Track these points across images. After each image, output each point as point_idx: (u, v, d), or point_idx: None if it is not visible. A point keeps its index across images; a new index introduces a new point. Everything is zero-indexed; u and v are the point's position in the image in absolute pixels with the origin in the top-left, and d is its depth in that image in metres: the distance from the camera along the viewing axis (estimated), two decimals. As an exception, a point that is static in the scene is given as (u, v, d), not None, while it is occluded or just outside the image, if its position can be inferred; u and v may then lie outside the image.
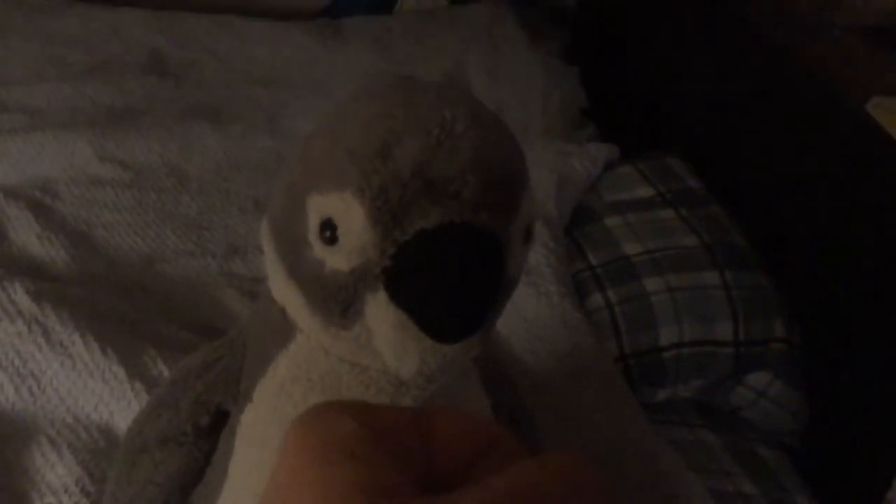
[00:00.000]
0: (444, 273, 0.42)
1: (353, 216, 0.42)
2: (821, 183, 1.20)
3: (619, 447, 0.91)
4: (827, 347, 1.15)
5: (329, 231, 0.43)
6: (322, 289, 0.45)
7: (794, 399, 1.14)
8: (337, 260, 0.44)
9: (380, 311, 0.44)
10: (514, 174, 0.45)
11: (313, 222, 0.44)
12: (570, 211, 1.29)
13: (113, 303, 0.98)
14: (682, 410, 1.13)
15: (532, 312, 1.06)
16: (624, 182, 1.33)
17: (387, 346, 0.45)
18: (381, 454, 0.22)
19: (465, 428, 0.25)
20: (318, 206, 0.44)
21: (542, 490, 0.21)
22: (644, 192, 1.30)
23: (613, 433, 0.93)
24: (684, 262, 1.15)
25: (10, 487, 0.73)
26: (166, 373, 0.82)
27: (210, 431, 0.57)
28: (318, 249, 0.44)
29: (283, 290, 0.49)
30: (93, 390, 0.82)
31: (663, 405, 1.12)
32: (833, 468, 1.12)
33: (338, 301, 0.45)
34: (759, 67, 1.32)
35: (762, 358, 1.12)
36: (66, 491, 0.71)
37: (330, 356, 0.49)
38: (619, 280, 1.14)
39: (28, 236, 1.10)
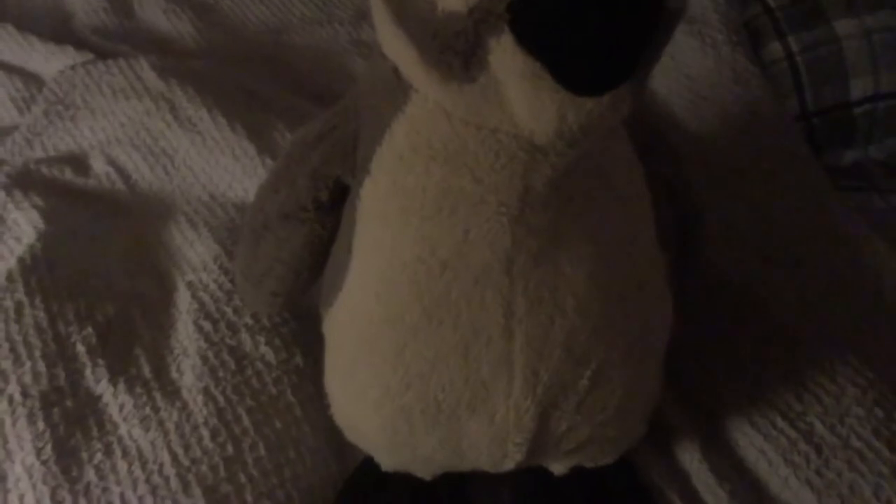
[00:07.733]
0: (582, 6, 0.34)
1: None
2: None
3: (794, 215, 0.83)
4: None
5: (440, -40, 0.36)
6: (436, 37, 0.38)
7: None
8: None
9: (506, 60, 0.37)
10: None
11: (421, -49, 0.37)
12: (744, -55, 1.12)
13: (241, 77, 0.97)
14: (872, 175, 1.03)
15: (696, 67, 0.96)
16: None
17: (518, 102, 0.38)
18: None
19: None
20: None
21: None
22: (838, -85, 1.11)
23: (790, 200, 0.85)
24: (886, -1, 1.00)
25: (153, 266, 0.74)
26: (296, 147, 0.79)
27: (331, 206, 0.53)
28: (428, -16, 0.37)
29: (393, 42, 0.43)
30: (225, 167, 0.82)
31: (851, 169, 1.03)
32: None
33: (456, 51, 0.38)
34: None
35: (976, 112, 0.99)
36: (205, 268, 0.71)
37: (453, 120, 0.43)
38: (804, 24, 1.02)
39: (154, 11, 1.11)
